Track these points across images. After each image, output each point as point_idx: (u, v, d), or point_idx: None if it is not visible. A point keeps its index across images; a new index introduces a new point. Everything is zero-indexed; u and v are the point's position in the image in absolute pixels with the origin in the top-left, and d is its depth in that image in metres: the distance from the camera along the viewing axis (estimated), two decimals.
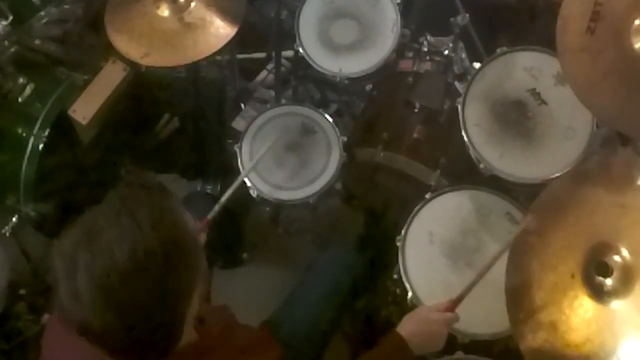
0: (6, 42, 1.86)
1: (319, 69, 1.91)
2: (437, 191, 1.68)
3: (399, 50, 1.91)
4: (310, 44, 1.93)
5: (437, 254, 1.60)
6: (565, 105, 1.60)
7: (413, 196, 1.71)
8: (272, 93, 2.46)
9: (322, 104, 2.39)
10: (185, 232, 0.96)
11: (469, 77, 1.71)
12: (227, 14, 1.79)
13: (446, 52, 1.90)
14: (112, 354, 0.95)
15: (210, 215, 1.50)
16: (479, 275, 1.37)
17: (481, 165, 1.62)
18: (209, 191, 2.24)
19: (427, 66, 1.90)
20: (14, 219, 1.90)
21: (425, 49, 1.91)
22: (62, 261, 0.91)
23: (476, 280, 1.37)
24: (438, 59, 1.91)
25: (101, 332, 0.91)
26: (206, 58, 1.78)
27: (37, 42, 2.05)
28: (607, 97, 1.28)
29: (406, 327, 1.33)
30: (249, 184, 1.81)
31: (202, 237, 1.45)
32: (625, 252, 1.15)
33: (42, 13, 2.09)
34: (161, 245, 0.90)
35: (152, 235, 0.90)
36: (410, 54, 1.94)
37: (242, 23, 1.79)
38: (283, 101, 2.15)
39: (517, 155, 1.62)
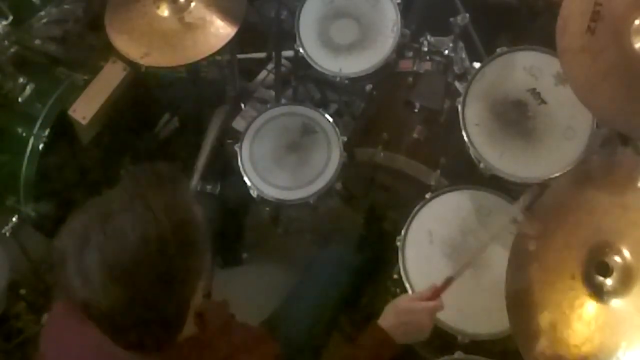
0: (6, 42, 1.86)
1: (319, 69, 1.91)
2: (437, 191, 1.68)
3: (399, 50, 1.91)
4: (310, 44, 1.93)
5: (437, 254, 1.60)
6: (565, 105, 1.60)
7: (413, 196, 1.71)
8: (272, 93, 2.46)
9: (322, 104, 2.39)
10: (196, 222, 0.97)
11: (469, 77, 1.71)
12: (227, 14, 1.79)
13: (446, 52, 1.90)
14: (115, 338, 0.96)
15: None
16: (464, 265, 1.37)
17: (481, 165, 1.62)
18: (209, 191, 2.24)
19: (427, 66, 1.90)
20: (14, 219, 1.90)
21: (425, 49, 1.91)
22: (73, 240, 0.93)
23: (462, 270, 1.37)
24: (438, 59, 1.91)
25: (107, 312, 0.91)
26: (206, 58, 1.78)
27: (37, 42, 2.05)
28: (607, 97, 1.28)
29: (387, 318, 1.32)
30: (249, 183, 1.81)
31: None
32: (625, 252, 1.15)
33: (42, 13, 2.09)
34: (173, 230, 0.92)
35: (165, 220, 0.92)
36: (410, 54, 1.94)
37: (242, 23, 1.79)
38: (283, 101, 2.15)
39: (517, 155, 1.62)
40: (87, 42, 2.14)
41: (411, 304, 1.35)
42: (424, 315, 1.33)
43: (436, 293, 1.35)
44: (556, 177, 1.54)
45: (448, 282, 1.36)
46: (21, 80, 1.91)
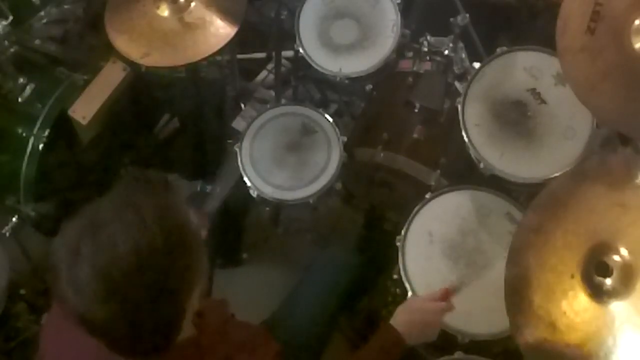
0: (6, 42, 1.86)
1: (319, 69, 1.91)
2: (437, 191, 1.68)
3: (399, 50, 1.91)
4: (310, 44, 1.93)
5: (437, 254, 1.60)
6: (565, 105, 1.60)
7: (413, 196, 1.71)
8: (272, 93, 2.46)
9: (322, 104, 2.39)
10: (188, 228, 0.96)
11: (469, 77, 1.71)
12: (227, 14, 1.79)
13: (446, 52, 1.90)
14: (111, 346, 0.95)
15: (208, 208, 1.50)
16: (473, 273, 1.38)
17: (481, 165, 1.62)
18: (209, 191, 2.24)
19: (427, 66, 1.90)
20: (14, 219, 1.90)
21: (425, 49, 1.91)
22: (65, 252, 0.92)
23: (474, 276, 1.38)
24: (438, 59, 1.91)
25: (101, 324, 0.91)
26: (206, 58, 1.78)
27: (37, 42, 2.06)
28: (607, 97, 1.28)
29: (400, 318, 1.34)
30: (249, 183, 1.81)
31: (203, 233, 1.46)
32: (625, 252, 1.15)
33: (42, 13, 2.09)
34: (164, 240, 0.91)
35: (156, 230, 0.91)
36: (410, 54, 1.94)
37: (242, 23, 1.79)
38: (283, 101, 2.15)
39: (517, 155, 1.62)
40: (87, 42, 2.15)
41: (424, 303, 1.37)
42: (436, 315, 1.36)
43: (446, 295, 1.37)
44: (556, 177, 1.54)
45: (458, 286, 1.38)
46: (21, 80, 1.91)
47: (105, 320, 0.90)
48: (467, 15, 1.82)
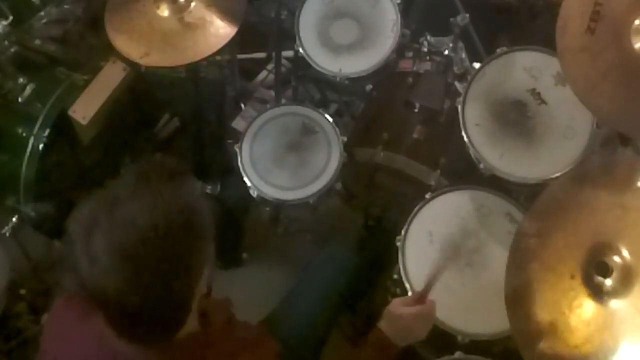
0: (6, 42, 1.86)
1: (319, 69, 1.91)
2: (437, 191, 1.68)
3: (399, 50, 1.91)
4: (310, 44, 1.93)
5: (437, 254, 1.60)
6: (565, 105, 1.60)
7: (413, 196, 1.71)
8: (272, 93, 2.46)
9: (322, 104, 2.39)
10: (202, 210, 0.99)
11: (469, 77, 1.71)
12: (227, 14, 1.79)
13: (446, 52, 1.90)
14: (119, 326, 0.96)
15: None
16: (442, 264, 1.38)
17: (481, 165, 1.62)
18: (208, 191, 2.24)
19: (427, 66, 1.90)
20: (14, 219, 1.90)
21: (425, 49, 1.91)
22: (81, 226, 0.93)
23: (441, 268, 1.38)
24: (438, 59, 1.91)
25: (113, 296, 0.91)
26: (206, 58, 1.78)
27: (37, 42, 2.05)
28: (607, 97, 1.28)
29: (385, 324, 1.33)
30: (249, 183, 1.81)
31: None
32: (625, 253, 1.15)
33: (42, 13, 2.09)
34: (181, 217, 0.93)
35: (173, 206, 0.93)
36: (410, 54, 1.94)
37: (242, 23, 1.79)
38: (283, 101, 2.14)
39: (517, 155, 1.62)
40: (87, 42, 2.14)
41: (400, 310, 1.35)
42: (413, 320, 1.33)
43: (420, 299, 1.36)
44: (556, 177, 1.55)
45: (428, 286, 1.37)
46: (21, 80, 1.91)
47: (117, 292, 0.91)
48: (467, 15, 1.82)
